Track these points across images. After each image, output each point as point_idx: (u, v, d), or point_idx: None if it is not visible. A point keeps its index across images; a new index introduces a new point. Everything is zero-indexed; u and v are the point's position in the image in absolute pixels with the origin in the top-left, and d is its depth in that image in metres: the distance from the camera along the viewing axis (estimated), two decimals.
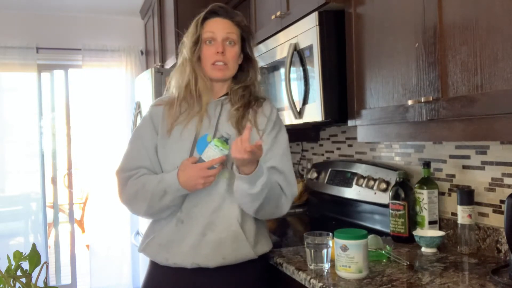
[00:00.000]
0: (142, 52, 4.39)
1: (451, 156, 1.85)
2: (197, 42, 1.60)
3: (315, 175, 2.64)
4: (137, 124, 1.71)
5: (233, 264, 1.55)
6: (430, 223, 1.83)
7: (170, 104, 1.63)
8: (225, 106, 1.63)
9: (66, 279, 4.49)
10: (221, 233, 1.53)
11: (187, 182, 1.49)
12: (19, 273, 0.82)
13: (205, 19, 1.62)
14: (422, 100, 1.42)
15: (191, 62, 1.61)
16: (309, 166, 2.85)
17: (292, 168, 1.65)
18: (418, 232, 1.77)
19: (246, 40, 1.65)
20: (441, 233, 1.75)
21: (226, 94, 1.65)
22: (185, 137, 1.58)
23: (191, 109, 1.60)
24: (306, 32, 1.94)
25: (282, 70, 2.15)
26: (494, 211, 1.67)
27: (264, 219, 1.65)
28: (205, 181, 1.49)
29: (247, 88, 1.65)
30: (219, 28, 1.60)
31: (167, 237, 1.57)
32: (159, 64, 3.66)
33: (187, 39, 1.63)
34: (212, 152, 1.47)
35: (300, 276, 1.52)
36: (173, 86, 1.66)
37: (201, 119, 1.59)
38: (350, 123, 1.83)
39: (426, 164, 1.87)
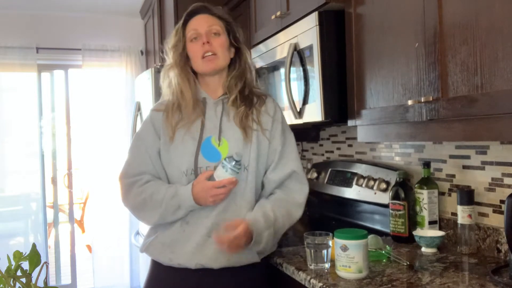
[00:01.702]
0: (142, 52, 4.39)
1: (451, 156, 1.85)
2: (177, 44, 1.62)
3: (315, 175, 2.64)
4: (138, 128, 1.71)
5: (237, 266, 1.54)
6: (430, 223, 1.83)
7: (169, 108, 1.62)
8: (226, 105, 1.63)
9: (66, 279, 4.49)
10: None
11: (198, 197, 1.51)
12: (19, 273, 0.82)
13: (186, 21, 1.63)
14: (422, 100, 1.42)
15: (175, 63, 1.62)
16: (309, 166, 2.85)
17: (302, 166, 1.68)
18: (418, 232, 1.77)
19: (231, 32, 1.65)
20: (441, 233, 1.75)
21: (225, 93, 1.65)
22: (189, 140, 1.57)
23: (191, 112, 1.59)
24: (306, 32, 1.93)
25: (282, 70, 2.15)
26: (494, 211, 1.67)
27: None
28: (215, 199, 1.50)
29: (239, 78, 1.64)
30: (201, 23, 1.60)
31: (171, 237, 1.56)
32: (159, 64, 3.65)
33: (169, 43, 1.65)
34: (222, 173, 1.48)
35: (300, 276, 1.52)
36: (165, 92, 1.67)
37: (203, 121, 1.59)
38: (350, 123, 1.83)
39: (426, 164, 1.86)
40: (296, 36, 2.01)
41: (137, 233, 3.71)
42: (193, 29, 1.60)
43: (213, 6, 1.66)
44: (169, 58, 1.64)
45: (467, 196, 1.68)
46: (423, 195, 1.84)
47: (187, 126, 1.58)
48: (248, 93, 1.64)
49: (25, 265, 0.84)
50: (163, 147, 1.60)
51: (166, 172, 1.60)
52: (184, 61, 1.62)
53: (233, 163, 1.47)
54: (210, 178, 1.50)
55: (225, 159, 1.49)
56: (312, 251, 1.54)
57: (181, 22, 1.64)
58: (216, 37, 1.60)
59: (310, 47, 1.90)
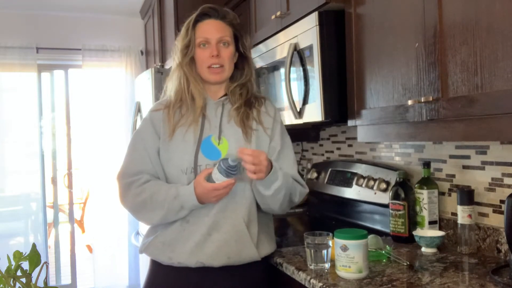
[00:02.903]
0: (142, 52, 4.39)
1: (451, 156, 1.85)
2: (188, 45, 1.60)
3: (315, 175, 2.64)
4: (137, 128, 1.70)
5: (237, 265, 1.54)
6: (430, 223, 1.83)
7: (169, 108, 1.62)
8: (226, 106, 1.64)
9: (66, 279, 4.49)
10: (227, 233, 1.53)
11: (201, 198, 1.50)
12: (19, 273, 0.82)
13: (196, 21, 1.61)
14: (422, 100, 1.42)
15: (181, 66, 1.61)
16: (309, 166, 2.85)
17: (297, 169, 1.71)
18: (418, 232, 1.77)
19: (239, 38, 1.65)
20: (441, 233, 1.75)
21: (226, 94, 1.66)
22: (189, 140, 1.57)
23: (191, 112, 1.60)
24: (306, 32, 1.93)
25: (282, 70, 2.15)
26: (494, 211, 1.67)
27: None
28: (217, 198, 1.51)
29: (244, 86, 1.65)
30: (212, 31, 1.59)
31: (171, 236, 1.56)
32: (159, 64, 3.66)
33: (179, 43, 1.63)
34: (220, 176, 1.47)
35: (300, 276, 1.52)
36: (169, 90, 1.66)
37: (203, 121, 1.60)
38: (350, 123, 1.83)
39: (426, 164, 1.86)
40: (296, 36, 2.01)
41: (137, 233, 3.71)
42: (202, 36, 1.59)
43: (223, 8, 1.64)
44: (178, 58, 1.62)
45: (467, 196, 1.68)
46: (423, 195, 1.84)
47: (187, 125, 1.59)
48: (250, 98, 1.65)
49: (25, 265, 0.84)
50: (162, 145, 1.60)
51: (165, 171, 1.60)
52: (189, 63, 1.61)
53: (227, 166, 1.45)
54: (208, 177, 1.50)
55: (220, 162, 1.47)
56: (312, 251, 1.54)
57: (191, 22, 1.61)
58: (225, 47, 1.59)
59: (310, 47, 1.90)
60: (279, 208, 1.59)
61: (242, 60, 1.67)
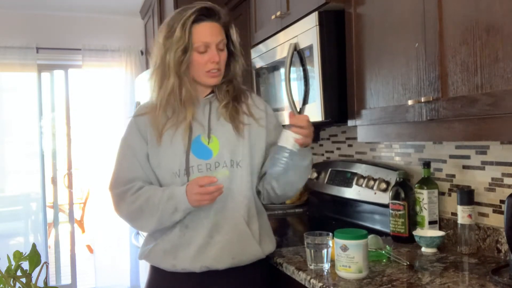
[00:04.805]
0: (142, 52, 4.39)
1: (451, 156, 1.85)
2: (185, 51, 1.50)
3: (315, 175, 2.64)
4: (123, 134, 1.64)
5: (242, 265, 1.53)
6: (430, 223, 1.83)
7: (154, 111, 1.55)
8: (214, 104, 1.60)
9: (66, 279, 4.50)
10: (228, 233, 1.51)
11: (189, 198, 1.45)
12: (19, 273, 0.82)
13: (193, 22, 1.51)
14: (422, 100, 1.42)
15: (177, 74, 1.51)
16: None
17: None
18: (418, 232, 1.77)
19: (230, 37, 1.60)
20: (441, 233, 1.75)
21: (212, 91, 1.62)
22: (178, 141, 1.53)
23: (179, 115, 1.54)
24: (306, 32, 1.93)
25: (282, 70, 2.15)
26: (494, 211, 1.67)
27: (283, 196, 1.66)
28: (198, 199, 1.44)
29: (231, 83, 1.62)
30: (211, 36, 1.52)
31: (171, 242, 1.52)
32: None
33: (173, 45, 1.51)
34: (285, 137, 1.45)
35: (300, 276, 1.52)
36: (155, 91, 1.57)
37: (191, 120, 1.54)
38: (350, 123, 1.83)
39: (426, 164, 1.86)
40: (296, 36, 2.01)
41: (137, 233, 3.71)
42: (201, 41, 1.51)
43: (216, 7, 1.57)
44: (173, 64, 1.51)
45: (467, 196, 1.68)
46: (423, 195, 1.84)
47: (175, 126, 1.54)
48: (237, 93, 1.62)
49: (25, 265, 0.84)
50: (151, 150, 1.55)
51: (157, 175, 1.56)
52: (187, 68, 1.53)
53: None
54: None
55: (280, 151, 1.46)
56: (312, 251, 1.54)
57: (188, 23, 1.50)
58: (221, 51, 1.56)
59: (310, 47, 1.90)
60: (301, 184, 1.63)
61: (230, 56, 1.61)
